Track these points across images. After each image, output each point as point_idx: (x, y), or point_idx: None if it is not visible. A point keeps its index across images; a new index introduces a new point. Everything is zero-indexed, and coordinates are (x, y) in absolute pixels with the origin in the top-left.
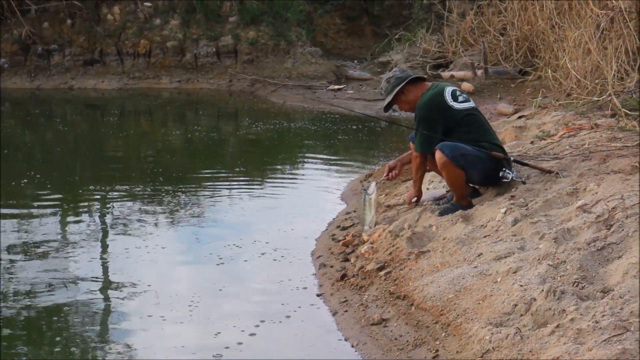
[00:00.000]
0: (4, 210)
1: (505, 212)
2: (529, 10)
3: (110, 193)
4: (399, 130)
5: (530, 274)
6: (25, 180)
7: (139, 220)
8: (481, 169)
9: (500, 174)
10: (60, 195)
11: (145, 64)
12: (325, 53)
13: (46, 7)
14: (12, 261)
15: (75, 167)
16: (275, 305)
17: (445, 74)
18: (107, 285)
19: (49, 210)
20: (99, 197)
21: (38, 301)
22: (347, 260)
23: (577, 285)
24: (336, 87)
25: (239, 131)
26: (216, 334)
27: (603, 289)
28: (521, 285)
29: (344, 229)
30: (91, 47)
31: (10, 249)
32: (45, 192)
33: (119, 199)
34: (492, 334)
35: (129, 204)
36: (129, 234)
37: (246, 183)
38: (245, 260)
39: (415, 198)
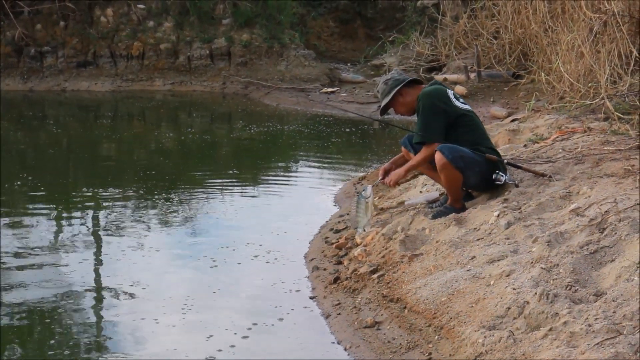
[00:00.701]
0: None
1: (498, 215)
2: (522, 14)
3: (103, 195)
4: (392, 133)
5: (523, 277)
6: (19, 183)
7: (132, 223)
8: (478, 173)
9: (494, 176)
10: (53, 198)
11: (139, 66)
12: (319, 56)
13: (39, 9)
14: (4, 263)
15: (68, 169)
16: (268, 307)
17: (439, 77)
18: (99, 287)
19: (42, 212)
20: (92, 199)
21: (30, 304)
22: (340, 263)
23: (570, 289)
24: (329, 89)
25: (233, 134)
26: (209, 337)
27: (596, 292)
28: (514, 289)
29: (337, 231)
30: (84, 49)
31: (2, 251)
32: (38, 194)
33: (112, 202)
34: (485, 337)
35: (122, 206)
36: (122, 237)
37: (239, 185)
38: (239, 263)
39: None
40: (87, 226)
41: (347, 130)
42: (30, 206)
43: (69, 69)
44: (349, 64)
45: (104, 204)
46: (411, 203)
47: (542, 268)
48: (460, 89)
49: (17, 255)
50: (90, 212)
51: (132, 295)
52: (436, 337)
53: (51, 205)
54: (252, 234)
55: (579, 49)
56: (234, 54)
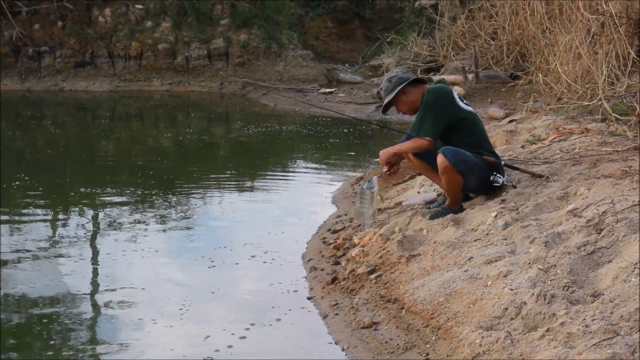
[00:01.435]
0: None
1: (496, 216)
2: (520, 15)
3: (101, 196)
4: (390, 134)
5: (521, 278)
6: (17, 183)
7: (129, 223)
8: (478, 177)
9: (491, 178)
10: (50, 198)
11: (137, 67)
12: (317, 56)
13: (37, 9)
14: (1, 264)
15: (65, 170)
16: (266, 308)
17: (437, 78)
18: (97, 288)
19: (39, 212)
20: (89, 199)
21: (27, 304)
22: (337, 263)
23: (567, 289)
24: (327, 90)
25: (230, 134)
26: (206, 337)
27: (593, 293)
28: (511, 289)
29: (335, 232)
30: (82, 49)
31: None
32: (35, 194)
33: (110, 202)
34: (482, 337)
35: (120, 206)
36: (120, 237)
37: (237, 186)
38: (236, 263)
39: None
40: (84, 226)
41: (345, 130)
42: (28, 206)
43: (66, 69)
44: (347, 65)
45: (102, 204)
46: (409, 204)
47: (539, 269)
48: (458, 89)
49: (13, 255)
50: (88, 213)
51: (129, 296)
52: (433, 337)
53: (49, 205)
54: (250, 234)
55: (576, 50)
56: (232, 55)
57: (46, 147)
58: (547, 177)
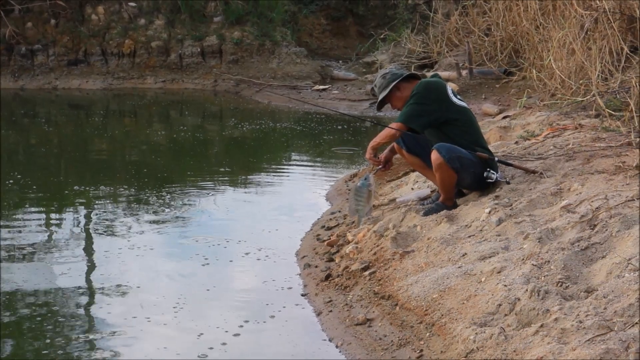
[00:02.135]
0: None
1: (489, 212)
2: (513, 11)
3: (95, 193)
4: None
5: (515, 274)
6: (11, 181)
7: (123, 221)
8: (472, 174)
9: (485, 174)
10: (44, 196)
11: (130, 64)
12: (310, 53)
13: (30, 7)
14: None
15: (59, 168)
16: (260, 305)
17: (430, 74)
18: (91, 286)
19: (33, 211)
20: (83, 197)
21: (21, 302)
22: (331, 260)
23: (561, 285)
24: (321, 87)
25: (224, 131)
26: (200, 334)
27: (587, 288)
28: (505, 285)
29: (329, 229)
30: (75, 47)
31: None
32: (29, 192)
33: (104, 200)
34: (476, 333)
35: (114, 204)
36: (114, 235)
37: (231, 183)
38: (230, 261)
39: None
40: (78, 224)
41: (339, 127)
42: (21, 205)
43: (60, 67)
44: (340, 62)
45: (96, 202)
46: (403, 200)
47: (533, 265)
48: (452, 86)
49: (7, 253)
50: (82, 211)
51: (123, 294)
52: (427, 334)
53: (42, 204)
54: (244, 231)
55: (570, 46)
56: (225, 52)
57: (40, 146)
58: (541, 173)
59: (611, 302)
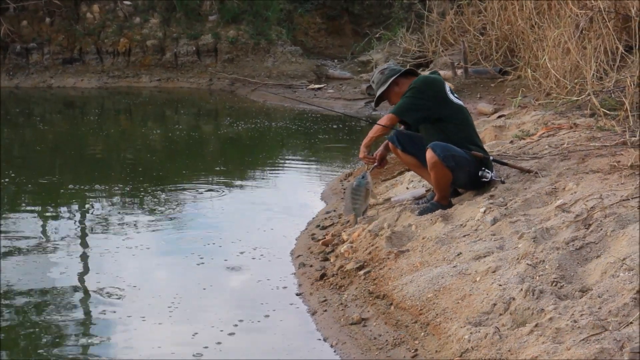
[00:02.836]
0: None
1: (484, 212)
2: (508, 10)
3: (89, 192)
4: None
5: (509, 274)
6: (6, 180)
7: (118, 220)
8: (468, 173)
9: (480, 173)
10: (39, 195)
11: (125, 63)
12: (306, 52)
13: (25, 6)
14: None
15: (54, 166)
16: (255, 304)
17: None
18: (86, 285)
19: (28, 210)
20: (78, 196)
21: (15, 302)
22: (326, 259)
23: (555, 285)
24: (316, 86)
25: (219, 130)
26: (195, 334)
27: (582, 288)
28: (500, 285)
29: (324, 228)
30: (70, 46)
31: None
32: (24, 191)
33: (99, 199)
34: (471, 333)
35: (109, 203)
36: (109, 234)
37: (226, 182)
38: (225, 260)
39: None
40: (73, 224)
41: (334, 126)
42: (16, 203)
43: (55, 66)
44: (336, 61)
45: (91, 201)
46: (397, 199)
47: (527, 264)
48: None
49: (2, 252)
50: (77, 210)
51: (118, 293)
52: (422, 333)
53: (37, 203)
54: (239, 230)
55: (565, 45)
56: (220, 51)
57: (35, 144)
58: (536, 173)
59: (606, 301)
